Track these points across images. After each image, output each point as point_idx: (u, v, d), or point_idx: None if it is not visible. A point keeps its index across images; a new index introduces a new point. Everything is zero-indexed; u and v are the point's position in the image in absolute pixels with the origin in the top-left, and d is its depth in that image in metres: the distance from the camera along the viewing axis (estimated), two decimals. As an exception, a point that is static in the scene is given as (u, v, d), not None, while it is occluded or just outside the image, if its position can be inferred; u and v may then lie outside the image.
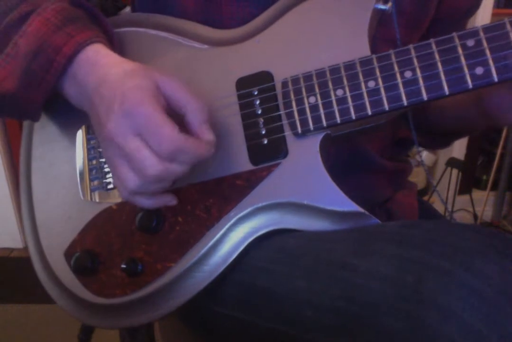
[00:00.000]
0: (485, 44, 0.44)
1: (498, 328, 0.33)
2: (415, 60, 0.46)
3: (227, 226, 0.51)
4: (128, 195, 0.48)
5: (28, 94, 0.51)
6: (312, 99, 0.49)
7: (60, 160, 0.60)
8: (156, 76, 0.46)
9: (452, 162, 1.95)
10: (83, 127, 0.59)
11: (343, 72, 0.48)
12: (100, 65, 0.49)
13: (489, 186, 2.10)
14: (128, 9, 0.73)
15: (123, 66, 0.48)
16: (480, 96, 0.56)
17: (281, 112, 0.51)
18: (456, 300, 0.35)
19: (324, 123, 0.48)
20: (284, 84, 0.51)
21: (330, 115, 0.48)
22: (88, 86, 0.49)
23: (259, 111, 0.52)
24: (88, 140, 0.59)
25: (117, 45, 0.56)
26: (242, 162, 0.52)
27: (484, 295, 0.35)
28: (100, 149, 0.59)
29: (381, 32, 0.54)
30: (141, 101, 0.44)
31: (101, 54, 0.50)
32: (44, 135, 0.61)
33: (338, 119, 0.48)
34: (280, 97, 0.51)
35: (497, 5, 1.95)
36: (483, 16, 1.87)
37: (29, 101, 0.52)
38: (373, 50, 0.48)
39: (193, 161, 0.46)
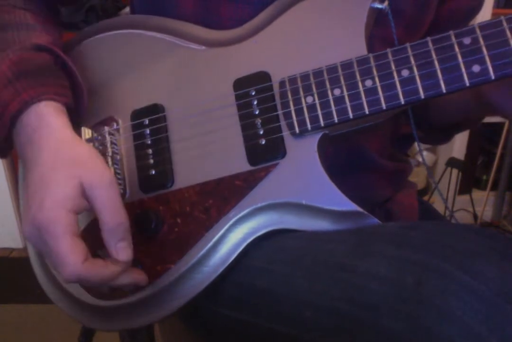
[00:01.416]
0: (481, 42, 0.44)
1: (498, 330, 0.33)
2: (412, 59, 0.46)
3: (226, 227, 0.50)
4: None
5: None
6: (309, 99, 0.49)
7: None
8: (84, 176, 0.45)
9: (452, 162, 1.95)
10: (83, 129, 0.59)
11: (340, 72, 0.48)
12: (39, 135, 0.48)
13: (489, 186, 2.10)
14: (128, 9, 0.73)
15: (56, 151, 0.47)
16: (486, 96, 0.56)
17: (278, 112, 0.51)
18: (456, 301, 0.35)
19: (322, 123, 0.48)
20: (282, 84, 0.51)
21: (327, 115, 0.48)
22: (24, 151, 0.49)
23: (257, 112, 0.52)
24: (87, 142, 0.59)
25: (83, 90, 0.56)
26: (241, 163, 0.51)
27: (484, 296, 0.35)
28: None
29: (379, 32, 0.54)
30: (55, 219, 0.43)
31: (42, 121, 0.49)
32: None
33: (336, 119, 0.48)
34: (277, 97, 0.51)
35: (497, 5, 1.95)
36: (483, 16, 1.86)
37: None
38: (372, 50, 0.48)
39: (99, 284, 0.46)
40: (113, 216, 0.45)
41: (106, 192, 0.45)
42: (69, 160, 0.46)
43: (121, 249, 0.46)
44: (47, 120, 0.49)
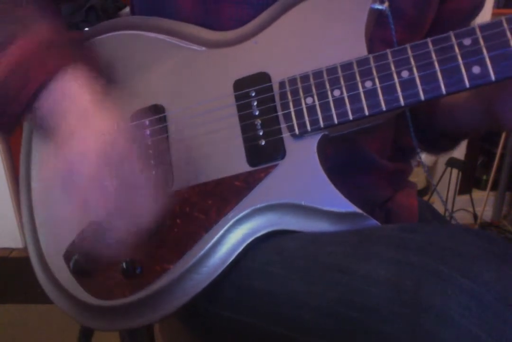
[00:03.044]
0: (482, 42, 0.43)
1: (496, 334, 0.33)
2: (411, 60, 0.46)
3: (225, 228, 0.50)
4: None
5: (3, 107, 0.51)
6: (309, 100, 0.49)
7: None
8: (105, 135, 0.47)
9: (452, 162, 1.95)
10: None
11: (340, 73, 0.48)
12: (65, 100, 0.49)
13: (489, 186, 2.10)
14: (128, 9, 0.73)
15: (83, 107, 0.49)
16: (492, 104, 0.56)
17: (278, 113, 0.51)
18: (455, 305, 0.35)
19: (322, 124, 0.48)
20: (281, 85, 0.51)
21: (327, 116, 0.48)
22: (49, 117, 0.50)
23: (257, 113, 0.52)
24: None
25: (100, 71, 0.56)
26: (240, 164, 0.51)
27: (483, 300, 0.35)
28: None
29: (380, 33, 0.54)
30: (83, 162, 0.45)
31: (74, 85, 0.50)
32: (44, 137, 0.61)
33: (336, 120, 0.48)
34: (277, 98, 0.51)
35: (497, 5, 1.95)
36: (483, 16, 1.86)
37: (3, 113, 0.52)
38: (372, 51, 0.48)
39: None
40: None
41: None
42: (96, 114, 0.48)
43: None
44: (79, 84, 0.50)
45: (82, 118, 0.48)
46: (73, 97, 0.49)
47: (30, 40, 0.51)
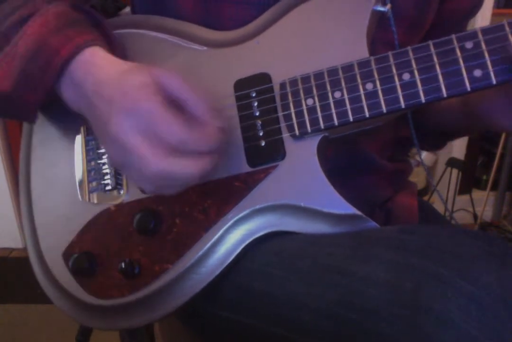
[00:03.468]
0: (483, 46, 0.44)
1: (495, 336, 0.33)
2: (413, 62, 0.46)
3: (224, 228, 0.51)
4: (153, 191, 0.48)
5: (24, 95, 0.51)
6: (310, 101, 0.49)
7: (59, 161, 0.60)
8: (154, 73, 0.45)
9: (452, 162, 1.95)
10: (82, 128, 0.59)
11: (341, 74, 0.48)
12: (97, 66, 0.48)
13: (489, 186, 2.10)
14: (128, 9, 0.73)
15: (120, 66, 0.48)
16: (467, 101, 0.56)
17: (279, 114, 0.50)
18: (454, 307, 0.35)
19: (322, 125, 0.48)
20: (282, 86, 0.51)
21: (327, 117, 0.48)
22: (85, 86, 0.48)
23: (257, 113, 0.52)
24: (87, 141, 0.59)
25: (119, 49, 0.56)
26: (240, 164, 0.51)
27: (482, 303, 0.35)
28: (99, 151, 0.59)
29: (381, 35, 0.54)
30: (144, 97, 0.43)
31: (98, 56, 0.49)
32: (43, 136, 0.61)
33: (336, 122, 0.48)
34: (278, 99, 0.51)
35: (497, 5, 1.95)
36: (483, 16, 1.86)
37: (26, 102, 0.51)
38: (374, 53, 0.48)
39: (203, 150, 0.45)
40: (195, 94, 0.47)
41: (180, 79, 0.46)
42: (137, 67, 0.47)
43: (213, 117, 0.46)
44: (104, 54, 0.50)
45: (126, 75, 0.46)
46: (104, 66, 0.48)
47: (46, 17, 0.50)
